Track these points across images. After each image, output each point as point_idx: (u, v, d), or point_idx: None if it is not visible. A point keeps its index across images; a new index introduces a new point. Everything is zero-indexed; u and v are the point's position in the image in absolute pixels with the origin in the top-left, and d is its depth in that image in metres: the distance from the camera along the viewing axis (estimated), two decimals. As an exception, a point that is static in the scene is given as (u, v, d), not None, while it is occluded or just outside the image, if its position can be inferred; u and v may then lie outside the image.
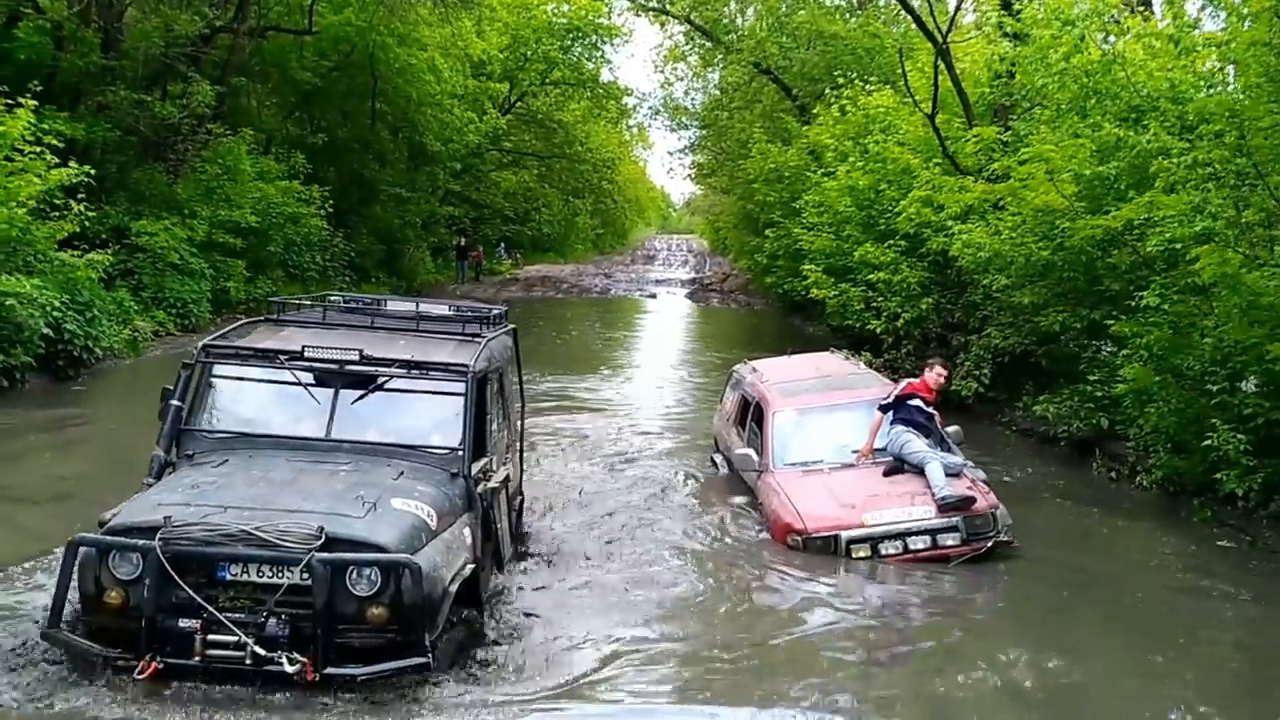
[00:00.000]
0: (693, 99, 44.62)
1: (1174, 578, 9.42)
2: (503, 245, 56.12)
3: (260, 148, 29.18)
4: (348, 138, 35.63)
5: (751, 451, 10.90)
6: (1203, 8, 12.60)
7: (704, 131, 45.13)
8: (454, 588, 6.27)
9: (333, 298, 9.34)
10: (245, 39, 27.86)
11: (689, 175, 56.84)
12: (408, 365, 7.44)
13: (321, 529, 5.92)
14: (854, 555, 9.31)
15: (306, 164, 30.31)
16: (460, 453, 7.20)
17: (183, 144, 24.87)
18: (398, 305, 9.31)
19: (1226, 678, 7.39)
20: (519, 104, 47.53)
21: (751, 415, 11.61)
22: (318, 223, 29.75)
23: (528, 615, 7.71)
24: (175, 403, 7.24)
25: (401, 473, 6.89)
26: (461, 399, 7.35)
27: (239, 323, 8.57)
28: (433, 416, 7.54)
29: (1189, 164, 10.67)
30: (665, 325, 35.44)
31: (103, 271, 18.60)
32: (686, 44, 39.19)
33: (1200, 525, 10.63)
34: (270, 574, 5.93)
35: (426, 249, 43.17)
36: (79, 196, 17.19)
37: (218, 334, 7.91)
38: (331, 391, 7.40)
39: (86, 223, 17.66)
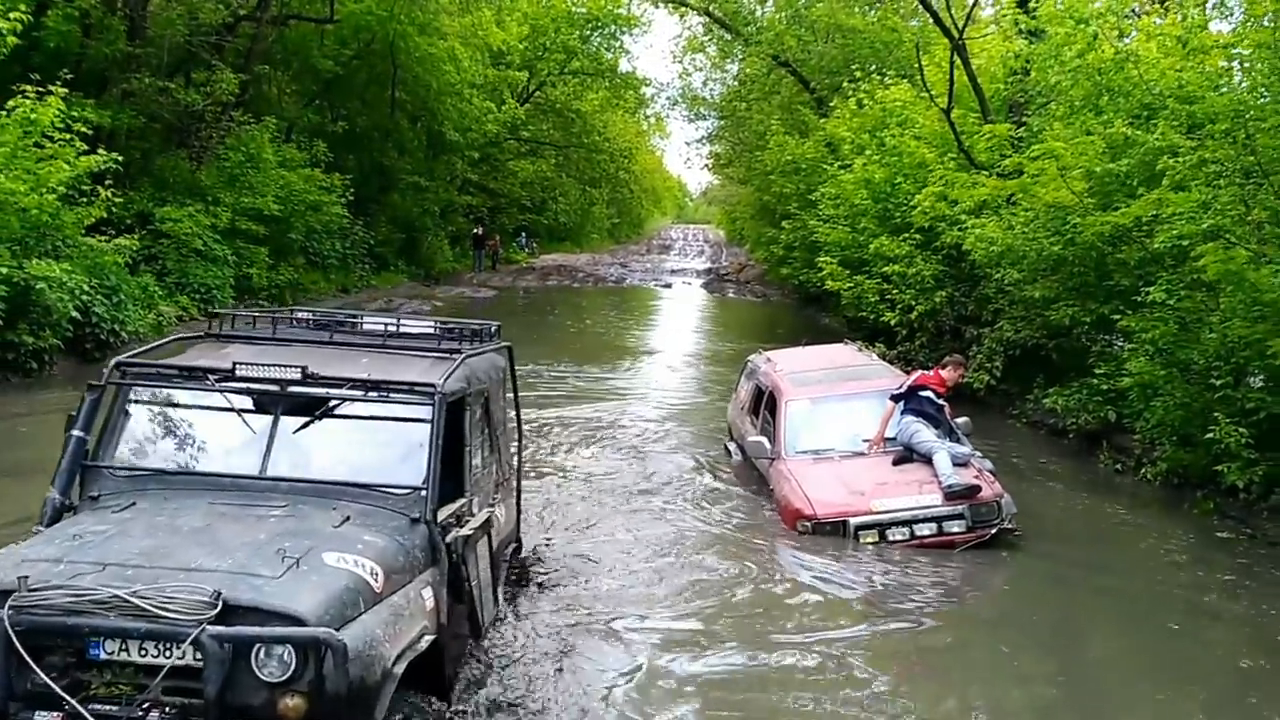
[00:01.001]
0: (711, 90, 44.90)
1: (1174, 568, 9.62)
2: (523, 234, 56.41)
3: (282, 136, 29.50)
4: (368, 126, 35.97)
5: (764, 439, 11.15)
6: (1216, 6, 12.80)
7: (722, 122, 45.42)
8: (399, 668, 4.99)
9: (300, 313, 8.08)
10: (268, 27, 28.16)
11: (706, 165, 57.18)
12: (362, 385, 6.16)
13: (218, 594, 4.63)
14: (862, 541, 9.56)
15: (327, 152, 30.62)
16: (423, 493, 5.87)
17: (206, 131, 25.20)
18: (375, 322, 7.98)
19: (1222, 666, 7.56)
20: (537, 93, 47.80)
21: (765, 404, 11.86)
22: (338, 210, 30.09)
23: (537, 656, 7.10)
24: (77, 433, 5.95)
25: (346, 518, 5.63)
26: (427, 426, 6.04)
27: (172, 337, 7.38)
28: (392, 448, 6.29)
29: (1195, 163, 10.88)
30: (680, 315, 35.63)
31: (128, 257, 18.94)
32: (705, 35, 39.41)
33: (1201, 517, 10.82)
34: (154, 652, 4.65)
35: (445, 237, 43.47)
36: (106, 183, 17.51)
37: (139, 350, 6.63)
38: (270, 419, 6.15)
39: (113, 209, 17.98)
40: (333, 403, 6.21)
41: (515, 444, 8.58)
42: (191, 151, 25.11)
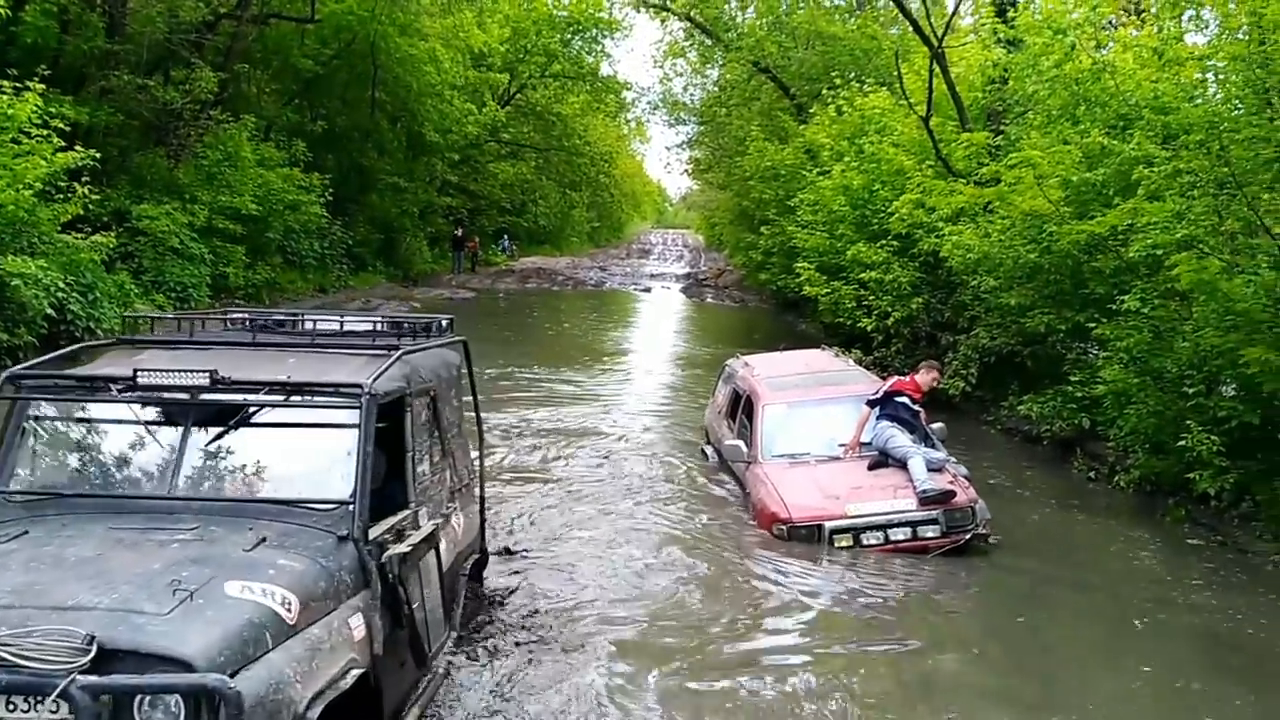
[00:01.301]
0: (691, 95, 44.85)
1: (1146, 577, 9.65)
2: (505, 237, 56.39)
3: (261, 135, 29.42)
4: (347, 126, 35.92)
5: (741, 443, 11.20)
6: (1191, 18, 12.94)
7: (702, 127, 45.37)
8: (315, 711, 4.41)
9: (235, 315, 7.57)
10: (248, 26, 28.08)
11: (686, 170, 57.21)
12: (281, 389, 5.58)
13: (92, 638, 4.03)
14: (836, 545, 9.60)
15: (306, 152, 30.55)
16: (351, 507, 5.29)
17: (184, 129, 25.12)
18: (318, 321, 7.44)
19: (1187, 672, 7.63)
20: (518, 96, 47.79)
21: (742, 408, 11.90)
22: (317, 210, 30.01)
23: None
24: None
25: (262, 540, 5.03)
26: (355, 432, 5.44)
27: (78, 345, 6.72)
28: (317, 459, 5.69)
29: (1169, 173, 11.00)
30: (659, 319, 35.67)
31: (104, 254, 18.84)
32: (686, 40, 39.44)
33: (1173, 524, 10.91)
34: (23, 707, 4.05)
35: (424, 239, 43.43)
36: (83, 179, 17.42)
37: (37, 360, 6.13)
38: (180, 431, 5.59)
39: (90, 206, 17.90)
40: (249, 410, 5.59)
41: (477, 446, 8.01)
42: (169, 149, 25.02)
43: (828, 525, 9.66)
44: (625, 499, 11.42)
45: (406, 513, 5.91)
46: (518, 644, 7.39)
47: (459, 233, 45.92)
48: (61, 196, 17.10)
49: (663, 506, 11.18)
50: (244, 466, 5.64)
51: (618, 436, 14.67)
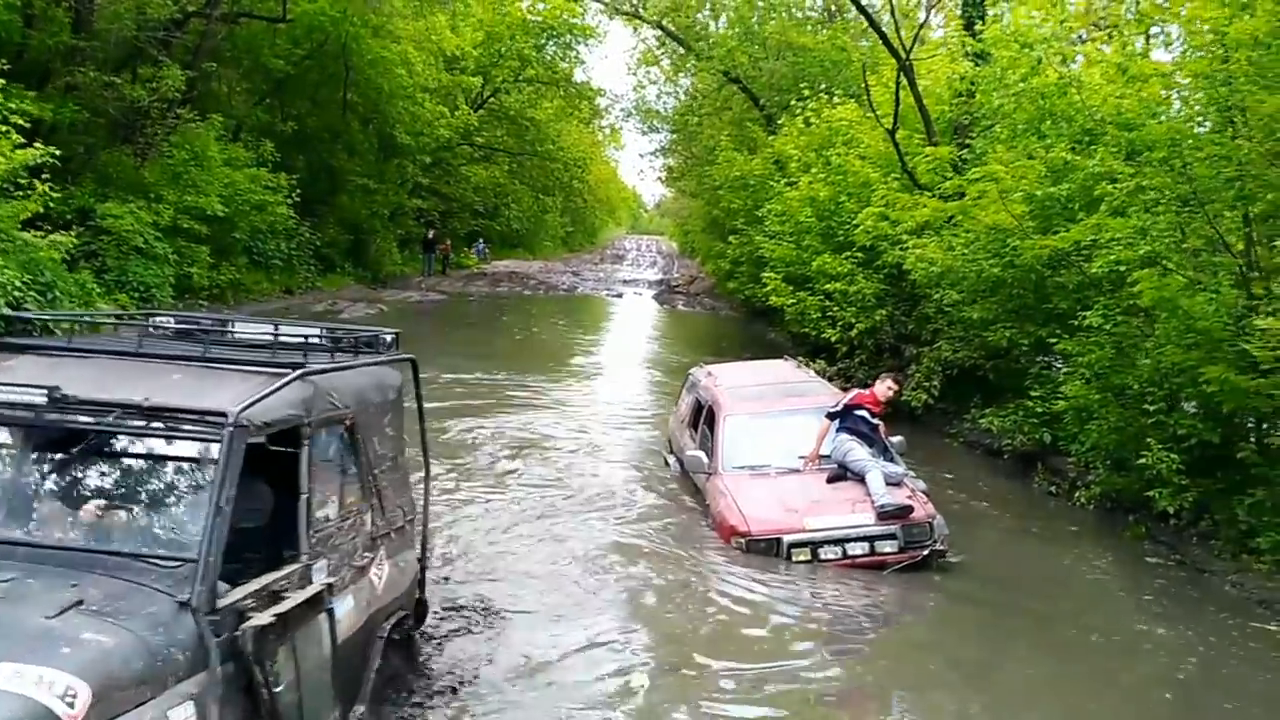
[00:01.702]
0: (664, 103, 44.92)
1: (1101, 596, 9.65)
2: (480, 241, 56.17)
3: (229, 134, 29.17)
4: (318, 127, 35.67)
5: (702, 453, 11.14)
6: (1159, 35, 13.01)
7: (675, 135, 45.43)
8: None
9: (160, 319, 6.57)
10: (218, 24, 27.81)
11: (660, 177, 57.29)
12: (138, 413, 4.61)
13: None
14: (794, 559, 9.54)
15: (275, 152, 30.28)
16: (197, 565, 4.31)
17: (151, 128, 24.82)
18: (251, 330, 6.29)
19: (1143, 694, 7.62)
20: (491, 100, 47.66)
21: (704, 418, 11.84)
22: (284, 211, 29.71)
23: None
24: None
25: (77, 603, 4.05)
26: (213, 469, 4.50)
27: None
28: (170, 502, 4.78)
29: (1132, 189, 11.02)
30: (629, 326, 35.60)
31: (66, 253, 18.55)
32: (659, 48, 39.45)
33: (1133, 541, 10.92)
34: None
35: (394, 241, 43.21)
36: (44, 177, 17.17)
37: None
38: (14, 459, 4.77)
39: (51, 203, 17.63)
40: (96, 437, 4.73)
41: (423, 479, 7.12)
42: (136, 148, 24.71)
43: (785, 539, 9.61)
44: (584, 511, 11.29)
45: (293, 568, 4.91)
46: (453, 701, 6.72)
47: (430, 235, 45.72)
48: (21, 194, 16.84)
49: (622, 517, 11.08)
50: (85, 506, 4.74)
51: (580, 444, 14.55)
